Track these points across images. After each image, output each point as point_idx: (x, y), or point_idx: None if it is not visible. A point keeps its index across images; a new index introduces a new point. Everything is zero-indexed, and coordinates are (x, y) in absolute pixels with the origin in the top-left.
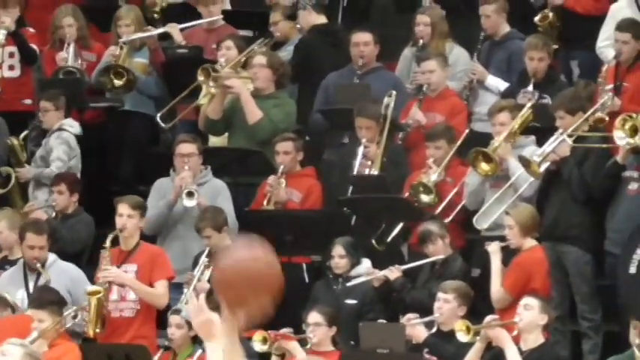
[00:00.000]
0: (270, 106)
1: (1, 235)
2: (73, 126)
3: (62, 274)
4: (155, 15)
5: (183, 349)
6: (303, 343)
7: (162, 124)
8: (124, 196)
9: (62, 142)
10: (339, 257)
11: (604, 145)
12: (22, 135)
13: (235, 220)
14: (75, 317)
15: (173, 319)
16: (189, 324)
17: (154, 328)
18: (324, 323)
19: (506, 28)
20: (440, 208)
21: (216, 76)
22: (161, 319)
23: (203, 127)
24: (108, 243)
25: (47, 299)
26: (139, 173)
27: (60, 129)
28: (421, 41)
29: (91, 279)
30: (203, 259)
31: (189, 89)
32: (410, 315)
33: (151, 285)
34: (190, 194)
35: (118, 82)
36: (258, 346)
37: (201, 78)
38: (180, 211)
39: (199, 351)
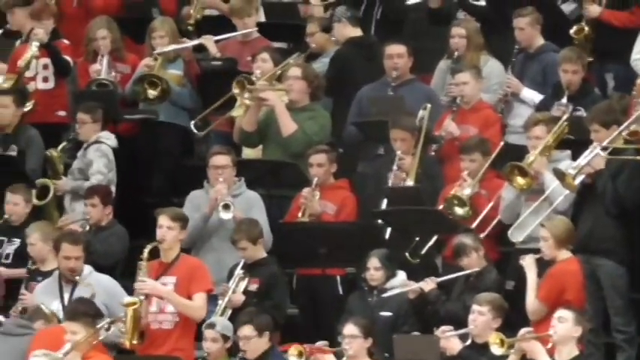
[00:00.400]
0: (304, 119)
1: (35, 247)
2: (109, 138)
3: (97, 286)
4: (189, 27)
5: (220, 359)
6: (339, 355)
7: (196, 132)
8: (165, 208)
9: (102, 155)
10: (374, 269)
11: (638, 158)
12: (60, 147)
13: (269, 232)
14: (108, 329)
15: (208, 333)
16: (224, 337)
17: (192, 340)
18: (359, 335)
19: (540, 41)
20: (476, 223)
21: (251, 88)
22: (200, 331)
23: (238, 139)
24: (145, 254)
25: (81, 311)
26: (173, 185)
27: (97, 141)
28: (456, 53)
29: (127, 290)
30: (238, 271)
31: (223, 99)
32: (444, 327)
33: (189, 297)
34: (227, 207)
35: (152, 92)
36: None
37: (236, 90)
38: (214, 224)
39: None
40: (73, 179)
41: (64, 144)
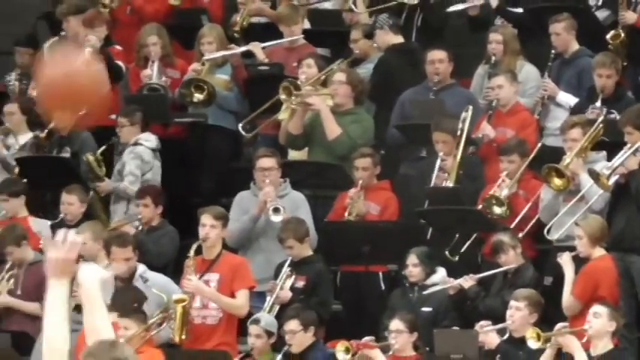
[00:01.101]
0: (348, 122)
1: (85, 246)
2: (149, 140)
3: (151, 283)
4: (236, 33)
5: (262, 356)
6: (384, 349)
7: (244, 133)
8: (207, 207)
9: (135, 157)
10: (412, 266)
11: None
12: (100, 150)
13: (315, 232)
14: (160, 324)
15: (252, 329)
16: (268, 333)
17: (235, 335)
18: (405, 330)
19: (575, 46)
20: (515, 222)
21: (297, 93)
22: (244, 326)
23: (284, 142)
24: (191, 253)
25: (133, 308)
26: (221, 186)
27: (136, 143)
28: (493, 58)
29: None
30: (285, 268)
31: (270, 103)
32: (483, 322)
33: (232, 294)
34: (277, 210)
35: (198, 96)
36: (341, 356)
37: (282, 95)
38: (262, 225)
39: (279, 357)
40: (115, 181)
41: (102, 148)
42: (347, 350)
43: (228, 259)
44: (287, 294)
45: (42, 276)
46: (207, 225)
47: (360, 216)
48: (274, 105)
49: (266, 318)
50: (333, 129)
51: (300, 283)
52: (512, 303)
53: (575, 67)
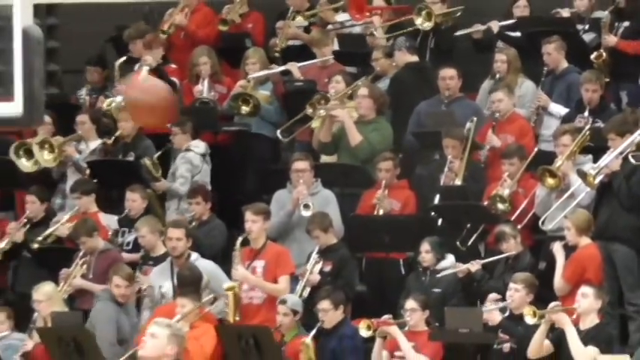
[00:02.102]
0: (370, 130)
1: (144, 238)
2: (198, 146)
3: (202, 270)
4: (276, 54)
5: (289, 332)
6: (401, 326)
7: (282, 138)
8: (250, 204)
9: (185, 162)
10: (425, 252)
11: None
12: (156, 155)
13: (342, 224)
14: (212, 303)
15: (281, 308)
16: (294, 312)
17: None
18: (418, 308)
19: (564, 64)
20: (515, 216)
21: (321, 107)
22: None
23: (316, 148)
24: (237, 245)
25: (189, 288)
26: (262, 185)
27: (187, 149)
28: (498, 75)
29: (227, 273)
30: (314, 255)
31: (303, 113)
32: (492, 295)
33: (275, 279)
34: (307, 206)
35: (244, 108)
36: (363, 332)
37: (309, 110)
38: (296, 219)
39: (312, 332)
40: (170, 182)
41: (159, 153)
42: (368, 327)
43: (273, 249)
44: (316, 277)
45: (110, 262)
46: (250, 220)
47: (387, 212)
48: (308, 115)
49: (292, 298)
50: (355, 137)
51: (327, 268)
52: (512, 285)
53: (564, 81)
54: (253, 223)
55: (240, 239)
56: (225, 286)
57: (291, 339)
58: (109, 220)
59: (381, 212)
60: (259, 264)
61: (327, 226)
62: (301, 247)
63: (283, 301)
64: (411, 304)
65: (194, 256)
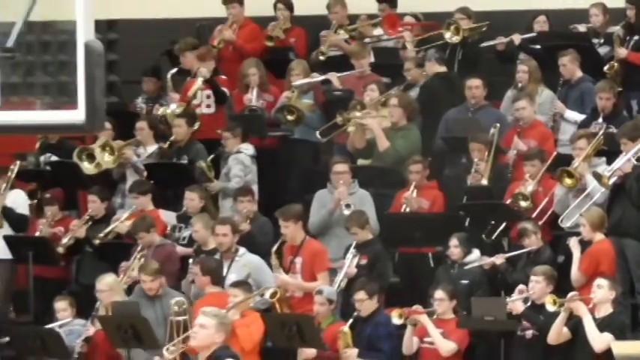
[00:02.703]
0: (397, 137)
1: (198, 234)
2: (248, 149)
3: (248, 263)
4: (320, 57)
5: (325, 319)
6: (430, 314)
7: (320, 138)
8: (280, 210)
9: (238, 163)
10: (453, 247)
11: None
12: (210, 158)
13: (377, 221)
14: (262, 295)
15: (317, 298)
16: (329, 301)
17: None
18: (446, 298)
19: (579, 74)
20: (535, 213)
21: (354, 116)
22: None
23: (352, 153)
24: (273, 253)
25: (241, 281)
26: (304, 185)
27: (238, 152)
28: (520, 84)
29: (269, 265)
30: (351, 250)
31: (343, 128)
32: (520, 287)
33: (313, 276)
34: (348, 206)
35: (290, 118)
36: (395, 320)
37: (339, 118)
38: (337, 217)
39: (350, 321)
40: (222, 182)
41: (212, 156)
42: (400, 316)
43: (310, 246)
44: (353, 270)
45: (165, 256)
46: (283, 226)
47: (414, 210)
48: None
49: (327, 289)
50: (382, 143)
51: (364, 261)
52: (533, 277)
53: (578, 90)
54: (286, 228)
55: (275, 247)
56: (268, 294)
57: (328, 326)
58: (169, 217)
59: (407, 210)
60: (298, 260)
61: (364, 223)
62: (340, 242)
63: (320, 292)
64: (439, 294)
65: (242, 250)
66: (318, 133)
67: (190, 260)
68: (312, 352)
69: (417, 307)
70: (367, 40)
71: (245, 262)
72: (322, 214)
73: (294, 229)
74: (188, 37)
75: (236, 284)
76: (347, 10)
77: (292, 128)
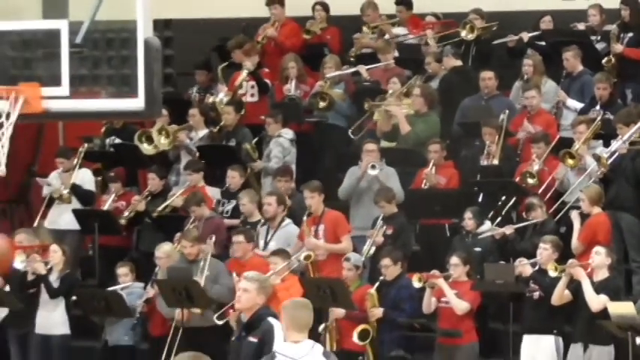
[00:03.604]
0: (418, 122)
1: (245, 207)
2: (287, 133)
3: (287, 232)
4: (351, 59)
5: (353, 283)
6: (446, 278)
7: (353, 137)
8: (305, 184)
9: (278, 145)
10: (468, 219)
11: None
12: (254, 140)
13: (402, 190)
14: (299, 260)
15: (345, 264)
16: (356, 267)
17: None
18: (460, 263)
19: (580, 67)
20: (541, 189)
21: (377, 104)
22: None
23: (379, 136)
24: (305, 219)
25: (280, 250)
26: (336, 165)
27: (278, 135)
28: (526, 76)
29: None
30: (379, 221)
31: (368, 114)
32: (521, 258)
33: (337, 239)
34: (373, 167)
35: (322, 104)
36: (415, 284)
37: (366, 105)
38: (365, 186)
39: (376, 284)
40: (264, 162)
41: (256, 139)
42: (419, 279)
43: (330, 215)
44: (380, 239)
45: (214, 227)
46: (308, 197)
47: (432, 186)
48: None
49: (354, 256)
50: (404, 127)
51: (389, 231)
52: (541, 245)
53: (579, 82)
54: (311, 198)
55: (305, 217)
56: (302, 256)
57: (355, 289)
58: (214, 192)
59: (427, 186)
60: (321, 228)
61: (391, 198)
62: (369, 212)
63: (348, 259)
64: (454, 260)
65: (287, 221)
66: (350, 132)
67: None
68: (341, 311)
69: (435, 272)
70: (387, 36)
71: (285, 232)
72: (352, 179)
73: (318, 200)
74: (238, 35)
75: (275, 252)
76: (378, 12)
77: (325, 114)
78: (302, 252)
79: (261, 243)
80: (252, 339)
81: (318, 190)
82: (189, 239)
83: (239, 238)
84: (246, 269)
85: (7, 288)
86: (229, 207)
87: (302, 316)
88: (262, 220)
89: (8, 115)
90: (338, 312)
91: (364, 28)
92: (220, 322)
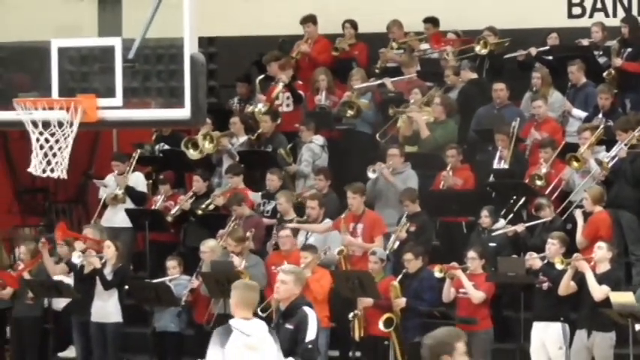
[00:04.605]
0: (437, 128)
1: (282, 206)
2: (318, 139)
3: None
4: (377, 71)
5: (378, 274)
6: (464, 270)
7: (380, 139)
8: (349, 185)
9: (308, 150)
10: (484, 217)
11: None
12: (289, 146)
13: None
14: (325, 253)
15: (371, 258)
16: (381, 260)
17: None
18: (477, 257)
19: (583, 79)
20: (548, 190)
21: (398, 111)
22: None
23: (402, 141)
24: (342, 219)
25: (308, 245)
26: (364, 167)
27: (311, 142)
28: (534, 88)
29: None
30: (403, 219)
31: (393, 119)
32: (531, 252)
33: (372, 238)
34: (374, 171)
35: (350, 112)
36: (437, 274)
37: (390, 111)
38: (380, 187)
39: (399, 277)
40: (298, 165)
41: (290, 144)
42: (440, 270)
43: (370, 215)
44: (404, 234)
45: (253, 224)
46: (350, 197)
47: (450, 187)
48: (396, 118)
49: (379, 250)
50: (424, 132)
51: (413, 228)
52: (550, 240)
53: (583, 93)
54: (353, 199)
55: (342, 216)
56: (337, 251)
57: (380, 280)
58: (255, 197)
59: (445, 187)
60: (359, 226)
61: (415, 198)
62: (395, 211)
63: (373, 253)
64: (471, 254)
65: (326, 220)
66: (377, 135)
67: (274, 228)
68: (369, 301)
69: (454, 264)
70: (415, 53)
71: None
72: (369, 184)
73: (359, 200)
74: (275, 51)
75: (305, 248)
76: (403, 30)
77: (353, 122)
78: (336, 247)
79: (302, 239)
80: (289, 326)
81: (360, 192)
82: (234, 238)
83: (286, 232)
84: (289, 261)
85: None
86: (269, 207)
87: (251, 296)
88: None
89: (70, 124)
90: (366, 301)
91: (393, 44)
92: (264, 314)
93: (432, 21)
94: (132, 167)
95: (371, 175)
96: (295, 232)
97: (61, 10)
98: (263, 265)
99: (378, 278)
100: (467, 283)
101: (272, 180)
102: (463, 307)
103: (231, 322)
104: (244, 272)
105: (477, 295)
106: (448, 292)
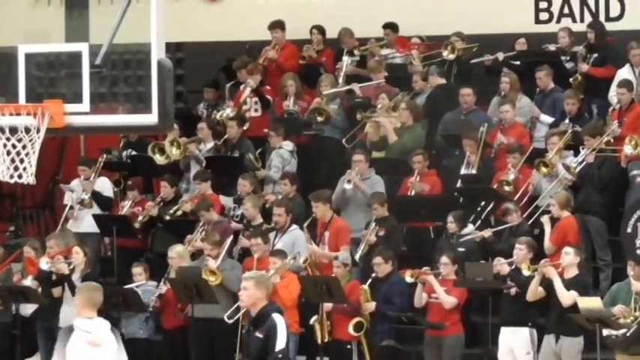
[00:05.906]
0: (405, 133)
1: (248, 211)
2: (287, 145)
3: (293, 236)
4: (340, 79)
5: (343, 278)
6: (436, 275)
7: (346, 145)
8: (313, 193)
9: (277, 156)
10: (450, 222)
11: (613, 154)
12: (258, 151)
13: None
14: (295, 259)
15: (335, 263)
16: (344, 265)
17: None
18: (450, 263)
19: (551, 85)
20: (517, 196)
21: (366, 116)
22: None
23: (369, 147)
24: (305, 226)
25: (277, 250)
26: (331, 173)
27: (280, 147)
28: (503, 93)
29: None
30: (372, 223)
31: (360, 124)
32: (499, 258)
33: (337, 248)
34: (349, 182)
35: (319, 119)
36: (408, 279)
37: (359, 116)
38: (349, 194)
39: (369, 281)
40: (266, 171)
41: (259, 150)
42: (412, 275)
43: (336, 223)
44: (373, 239)
45: (221, 230)
46: (314, 205)
47: (417, 193)
48: (364, 123)
49: (342, 255)
50: (392, 137)
51: (382, 232)
52: (517, 245)
53: (551, 98)
54: (316, 207)
55: (306, 223)
56: (302, 260)
57: (345, 283)
58: (227, 201)
59: (413, 193)
60: (326, 234)
61: (384, 202)
62: (364, 216)
63: (336, 258)
64: (444, 259)
65: (293, 226)
66: (344, 140)
67: (240, 233)
68: (328, 305)
69: (426, 269)
70: (377, 57)
71: (291, 236)
72: (337, 191)
73: (324, 208)
74: (243, 56)
75: (274, 253)
76: (354, 39)
77: (322, 128)
78: (297, 253)
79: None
80: (259, 334)
81: (323, 200)
82: (210, 242)
83: (257, 241)
84: (261, 268)
85: (36, 286)
86: (239, 212)
87: (96, 296)
88: (265, 225)
89: (38, 130)
90: (327, 306)
91: (355, 51)
92: (230, 321)
93: (391, 26)
94: (98, 172)
95: (347, 186)
96: (267, 238)
97: (28, 15)
98: (240, 270)
99: (344, 282)
100: (438, 288)
101: (244, 185)
102: (435, 312)
103: (75, 321)
104: (217, 272)
105: (449, 301)
106: (420, 297)
